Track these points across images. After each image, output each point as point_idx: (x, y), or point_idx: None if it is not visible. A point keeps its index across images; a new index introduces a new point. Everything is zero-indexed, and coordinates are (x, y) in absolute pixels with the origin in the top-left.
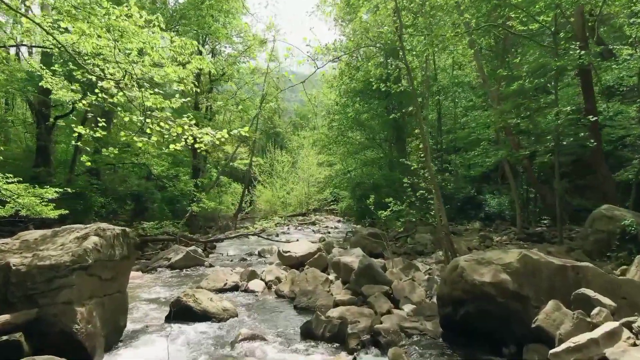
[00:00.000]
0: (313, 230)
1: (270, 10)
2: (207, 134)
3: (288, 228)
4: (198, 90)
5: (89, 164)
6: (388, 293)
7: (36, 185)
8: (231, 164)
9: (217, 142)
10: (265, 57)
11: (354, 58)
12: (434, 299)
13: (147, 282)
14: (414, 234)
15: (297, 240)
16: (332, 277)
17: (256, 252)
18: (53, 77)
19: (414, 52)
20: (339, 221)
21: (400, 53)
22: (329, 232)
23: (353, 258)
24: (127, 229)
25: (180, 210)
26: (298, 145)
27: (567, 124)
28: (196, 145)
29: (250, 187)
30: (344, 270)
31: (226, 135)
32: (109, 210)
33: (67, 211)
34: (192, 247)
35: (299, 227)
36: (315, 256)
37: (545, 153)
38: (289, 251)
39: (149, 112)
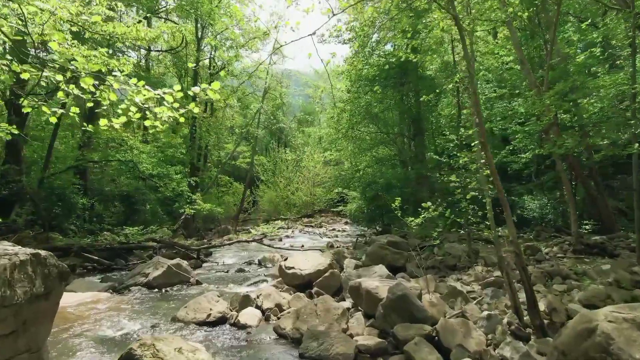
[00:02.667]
0: (319, 234)
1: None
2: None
3: (292, 231)
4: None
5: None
6: (431, 336)
7: None
8: (232, 162)
9: (176, 116)
10: (269, 49)
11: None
12: (504, 351)
13: (111, 307)
14: (442, 243)
15: (302, 246)
16: (348, 303)
17: (256, 261)
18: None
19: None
20: (346, 223)
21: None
22: (337, 236)
23: (377, 282)
24: (44, 252)
25: (176, 213)
26: (303, 143)
27: None
28: (147, 123)
29: (252, 187)
30: (367, 299)
31: (179, 95)
32: (93, 213)
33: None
34: (175, 261)
35: (304, 231)
36: (326, 274)
37: (614, 146)
38: (292, 267)
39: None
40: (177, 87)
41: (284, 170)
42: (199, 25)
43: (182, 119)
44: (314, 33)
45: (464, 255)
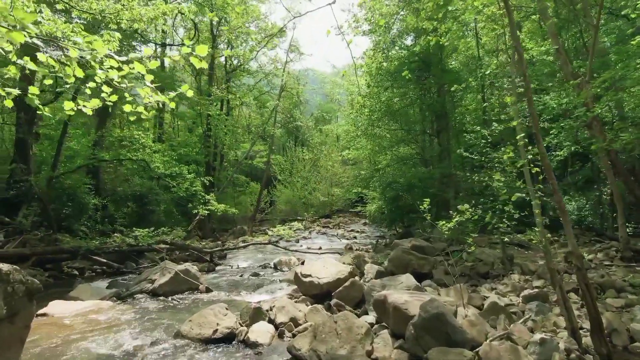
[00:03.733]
0: (337, 236)
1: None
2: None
3: (310, 232)
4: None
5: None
6: None
7: None
8: (249, 161)
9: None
10: (286, 47)
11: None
12: None
13: (111, 318)
14: (471, 247)
15: (320, 248)
16: (371, 317)
17: (271, 264)
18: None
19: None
20: (365, 224)
21: None
22: (355, 238)
23: (405, 295)
24: (6, 267)
25: (192, 213)
26: (321, 142)
27: None
28: (127, 109)
29: (270, 187)
30: (394, 315)
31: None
32: (106, 214)
33: None
34: (183, 266)
35: (322, 232)
36: (346, 284)
37: None
38: (309, 275)
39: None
40: (148, 51)
41: (301, 169)
42: (213, 22)
43: (172, 104)
44: (333, 2)
45: (497, 262)
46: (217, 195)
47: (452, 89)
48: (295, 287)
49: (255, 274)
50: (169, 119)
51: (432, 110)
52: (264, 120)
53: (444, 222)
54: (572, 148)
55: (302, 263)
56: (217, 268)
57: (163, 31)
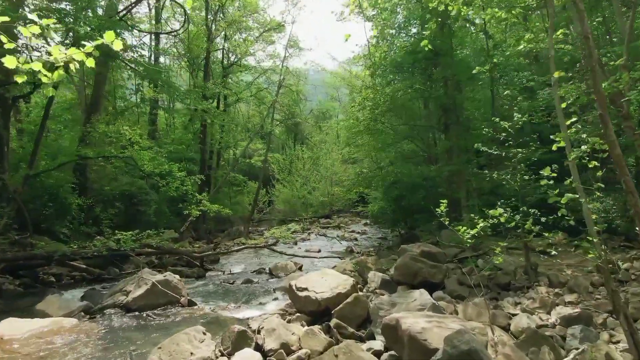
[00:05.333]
0: (337, 239)
1: None
2: None
3: (308, 234)
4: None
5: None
6: None
7: None
8: (247, 160)
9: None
10: (285, 42)
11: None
12: None
13: (70, 341)
14: (487, 254)
15: (319, 251)
16: (378, 344)
17: (266, 270)
18: None
19: None
20: (365, 224)
21: None
22: (356, 239)
23: (422, 320)
24: None
25: (186, 214)
26: (320, 140)
27: None
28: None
29: (268, 186)
30: (410, 347)
31: None
32: (92, 214)
33: None
34: (162, 276)
35: (321, 233)
36: (349, 300)
37: None
38: (305, 289)
39: None
40: None
41: (300, 168)
42: (209, 16)
43: (90, 62)
44: None
45: (520, 271)
46: (212, 195)
47: (474, 70)
48: (289, 301)
49: (248, 281)
50: (163, 116)
51: (441, 103)
52: (263, 117)
53: (464, 227)
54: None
55: (300, 268)
56: (208, 274)
57: (156, 21)
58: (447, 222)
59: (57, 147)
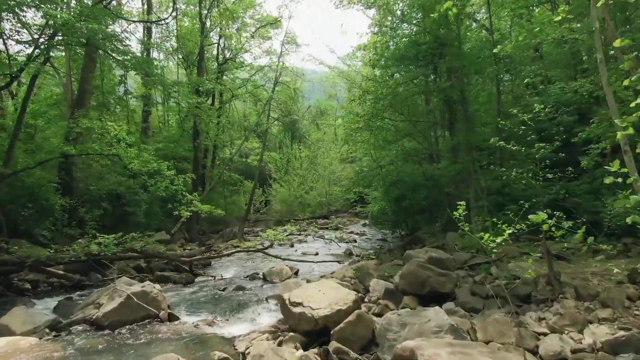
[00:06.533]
0: (336, 241)
1: None
2: None
3: (306, 235)
4: None
5: None
6: None
7: None
8: (243, 159)
9: None
10: (281, 38)
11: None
12: None
13: None
14: (501, 260)
15: (316, 254)
16: None
17: (260, 274)
18: None
19: None
20: (364, 225)
21: None
22: (355, 241)
23: (445, 352)
24: None
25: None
26: (318, 139)
27: None
28: None
29: (265, 186)
30: None
31: None
32: (76, 216)
33: None
34: (139, 287)
35: (319, 234)
36: (350, 319)
37: None
38: (301, 303)
39: None
40: None
41: (297, 167)
42: (203, 10)
43: None
44: None
45: (542, 281)
46: (206, 195)
47: (472, 71)
48: (282, 316)
49: (240, 288)
50: (156, 113)
51: (446, 98)
52: (259, 114)
53: (487, 235)
54: (616, 140)
55: (296, 273)
56: (198, 279)
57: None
58: (467, 228)
59: (37, 144)
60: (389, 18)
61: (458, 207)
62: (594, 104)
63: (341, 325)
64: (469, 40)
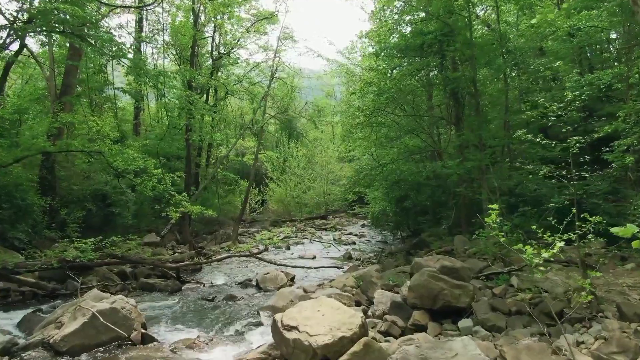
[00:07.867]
0: (334, 244)
1: None
2: None
3: (303, 236)
4: None
5: None
6: None
7: None
8: (239, 158)
9: None
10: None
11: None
12: None
13: None
14: (521, 270)
15: (314, 257)
16: None
17: (254, 281)
18: None
19: None
20: (363, 225)
21: None
22: (354, 243)
23: None
24: None
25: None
26: (315, 138)
27: None
28: None
29: (261, 185)
30: None
31: None
32: (58, 218)
33: None
34: (107, 304)
35: (317, 235)
36: (356, 349)
37: None
38: (296, 327)
39: None
40: None
41: (294, 166)
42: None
43: None
44: None
45: (575, 295)
46: (198, 194)
47: (482, 63)
48: (273, 341)
49: (231, 297)
50: (148, 109)
51: (456, 89)
52: (254, 111)
53: (530, 250)
54: None
55: (292, 280)
56: (186, 286)
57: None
58: (500, 237)
59: (14, 141)
60: (395, 3)
61: (490, 212)
62: (601, 99)
63: (345, 357)
64: (476, 33)
